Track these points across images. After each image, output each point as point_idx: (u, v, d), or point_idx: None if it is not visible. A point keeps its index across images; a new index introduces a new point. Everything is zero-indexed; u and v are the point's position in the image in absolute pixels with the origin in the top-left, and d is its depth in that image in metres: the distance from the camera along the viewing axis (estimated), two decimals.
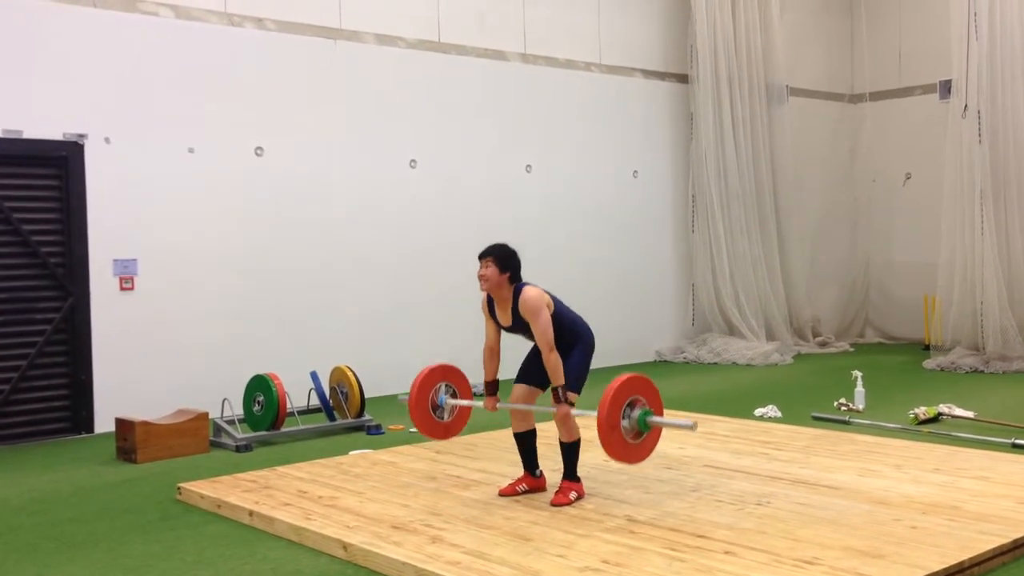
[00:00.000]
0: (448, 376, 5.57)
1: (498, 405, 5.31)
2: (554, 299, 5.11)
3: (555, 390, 4.97)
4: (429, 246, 9.65)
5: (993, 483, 5.25)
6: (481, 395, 5.45)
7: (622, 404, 4.70)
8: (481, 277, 5.08)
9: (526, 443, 5.31)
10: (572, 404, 4.99)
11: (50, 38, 7.62)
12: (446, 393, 5.54)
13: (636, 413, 4.74)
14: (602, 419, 4.62)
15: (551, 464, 5.54)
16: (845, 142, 13.63)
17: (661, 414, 4.85)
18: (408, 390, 5.47)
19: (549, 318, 4.98)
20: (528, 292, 5.01)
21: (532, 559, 4.18)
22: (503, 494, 5.29)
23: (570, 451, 5.12)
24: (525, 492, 5.30)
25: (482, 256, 5.11)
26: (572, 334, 5.11)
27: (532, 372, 5.23)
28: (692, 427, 4.73)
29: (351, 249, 9.20)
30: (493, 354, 5.31)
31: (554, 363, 4.92)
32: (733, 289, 11.75)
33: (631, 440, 4.75)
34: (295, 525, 4.80)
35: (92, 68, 7.80)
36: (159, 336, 8.09)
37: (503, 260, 5.07)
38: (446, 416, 5.56)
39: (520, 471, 5.39)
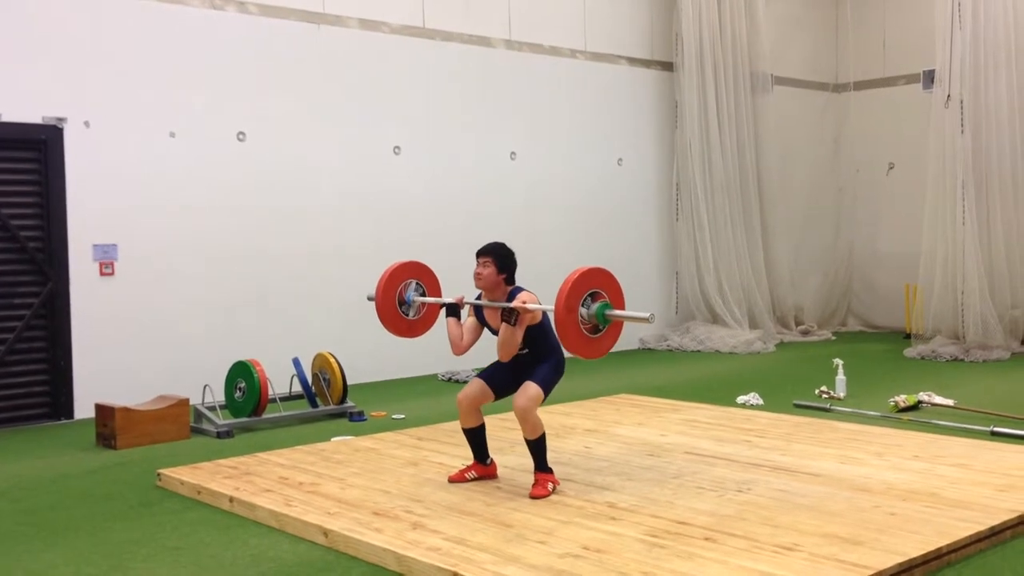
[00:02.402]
0: (418, 274, 5.58)
1: (465, 301, 5.23)
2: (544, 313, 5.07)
3: (504, 312, 4.83)
4: (413, 232, 9.61)
5: (971, 470, 5.28)
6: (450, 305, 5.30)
7: (582, 293, 4.62)
8: (478, 275, 5.04)
9: (477, 436, 5.27)
10: (519, 313, 4.80)
11: (29, 20, 7.53)
12: (415, 291, 5.54)
13: (595, 306, 4.66)
14: (560, 305, 4.53)
15: (525, 460, 5.54)
16: (829, 131, 13.66)
17: (622, 307, 4.76)
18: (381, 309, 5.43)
19: (535, 315, 4.93)
20: (526, 295, 4.95)
21: (513, 545, 4.18)
22: (452, 481, 5.27)
23: (537, 446, 5.03)
24: (475, 479, 5.28)
25: (480, 254, 5.07)
26: (548, 346, 5.06)
27: (496, 377, 5.15)
28: (649, 319, 4.62)
29: (334, 235, 9.16)
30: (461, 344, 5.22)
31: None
32: (716, 277, 11.78)
33: (588, 333, 4.68)
34: (276, 511, 4.78)
35: (72, 51, 7.72)
36: (139, 322, 8.04)
37: (502, 260, 5.04)
38: (412, 313, 5.56)
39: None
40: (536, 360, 5.05)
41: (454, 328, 5.19)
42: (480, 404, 5.19)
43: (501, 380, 5.15)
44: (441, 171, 9.89)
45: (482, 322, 5.19)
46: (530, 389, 4.93)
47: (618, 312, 4.72)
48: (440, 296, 5.62)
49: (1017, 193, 10.82)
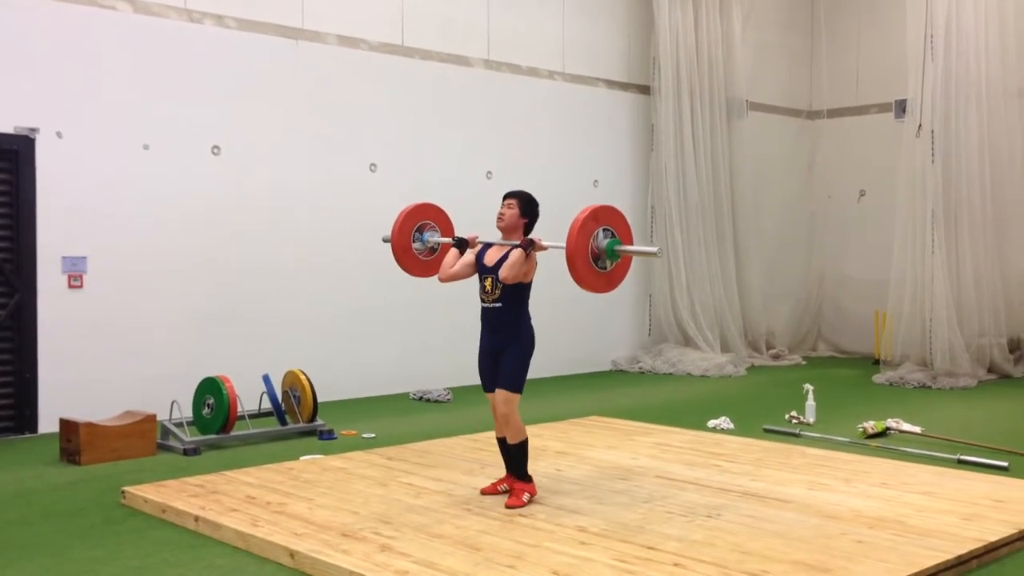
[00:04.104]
0: (433, 215, 5.84)
1: (478, 240, 5.43)
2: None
3: (525, 242, 5.06)
4: (387, 250, 9.54)
5: (938, 498, 5.32)
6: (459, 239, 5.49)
7: (592, 230, 4.82)
8: (500, 216, 5.25)
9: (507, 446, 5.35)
10: (535, 243, 5.07)
11: (2, 30, 7.46)
12: (429, 232, 5.79)
13: (606, 241, 4.86)
14: (572, 241, 4.74)
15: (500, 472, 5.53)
16: (802, 158, 13.80)
17: (630, 244, 4.97)
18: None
19: (528, 271, 5.11)
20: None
21: (482, 569, 4.16)
22: (485, 493, 5.37)
23: (518, 451, 5.15)
24: (506, 492, 5.34)
25: (508, 196, 5.31)
26: (521, 312, 5.20)
27: (490, 379, 5.27)
28: (658, 253, 4.97)
29: (308, 252, 9.12)
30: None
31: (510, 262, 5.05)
32: (689, 300, 11.83)
33: (598, 268, 4.88)
34: (242, 532, 4.72)
35: (46, 61, 7.65)
36: (108, 336, 7.94)
37: (527, 204, 5.29)
38: (427, 254, 5.83)
39: (502, 471, 5.49)
40: (505, 326, 5.14)
41: (450, 257, 5.42)
42: None
43: (491, 376, 5.25)
44: (417, 189, 9.84)
45: (480, 263, 5.29)
46: (502, 394, 5.12)
47: (627, 247, 4.91)
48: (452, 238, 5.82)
49: (986, 223, 10.98)
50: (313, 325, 9.11)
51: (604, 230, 4.88)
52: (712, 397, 9.61)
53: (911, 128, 11.00)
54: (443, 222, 5.93)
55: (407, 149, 9.81)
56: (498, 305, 5.16)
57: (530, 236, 5.20)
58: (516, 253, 5.06)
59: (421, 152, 9.91)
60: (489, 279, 5.18)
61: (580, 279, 4.84)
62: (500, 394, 5.13)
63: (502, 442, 5.34)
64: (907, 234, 11.02)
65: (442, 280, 5.43)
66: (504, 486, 5.36)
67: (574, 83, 11.27)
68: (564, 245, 4.80)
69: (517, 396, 5.14)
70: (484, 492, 5.40)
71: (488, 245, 5.35)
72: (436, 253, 5.87)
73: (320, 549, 4.41)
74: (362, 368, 9.45)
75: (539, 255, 5.17)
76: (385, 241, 5.88)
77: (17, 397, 7.59)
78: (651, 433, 7.35)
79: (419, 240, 5.82)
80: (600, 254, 4.86)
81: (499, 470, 5.62)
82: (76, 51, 7.79)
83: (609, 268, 4.93)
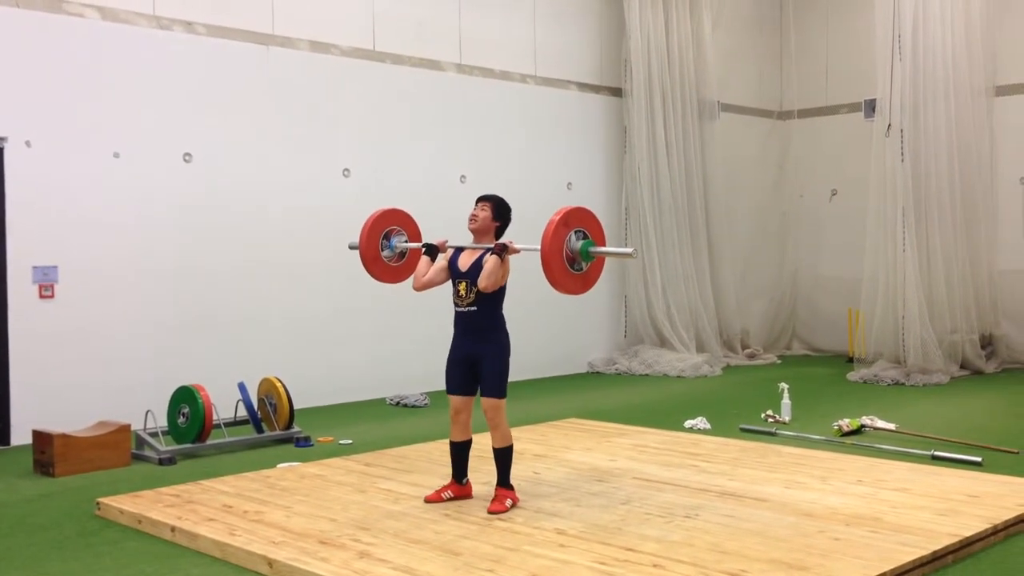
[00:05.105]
0: (400, 221, 5.84)
1: (448, 244, 5.43)
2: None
3: (497, 247, 5.06)
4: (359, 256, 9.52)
5: (913, 495, 5.37)
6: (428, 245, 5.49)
7: (565, 233, 4.85)
8: (473, 217, 5.26)
9: (461, 452, 5.36)
10: (508, 247, 5.07)
11: None
12: (396, 237, 5.78)
13: (579, 243, 4.88)
14: (546, 245, 4.76)
15: (484, 476, 5.52)
16: (774, 158, 13.90)
17: (603, 245, 5.01)
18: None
19: (506, 274, 5.13)
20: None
21: (461, 574, 4.15)
22: (429, 501, 5.32)
23: (504, 457, 5.19)
24: (451, 499, 5.32)
25: (481, 199, 5.32)
26: (496, 316, 5.21)
27: (457, 381, 5.26)
28: (632, 254, 5.02)
29: (282, 259, 9.07)
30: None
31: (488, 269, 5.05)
32: (665, 301, 11.88)
33: (573, 270, 4.90)
34: (219, 541, 4.69)
35: (14, 70, 7.57)
36: (80, 346, 7.86)
37: (499, 208, 5.30)
38: (396, 260, 5.83)
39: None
40: (481, 329, 5.15)
41: (423, 265, 5.41)
42: (468, 411, 5.29)
43: (464, 380, 5.24)
44: (391, 194, 9.81)
45: (453, 266, 5.28)
46: (490, 402, 5.12)
47: (601, 248, 4.94)
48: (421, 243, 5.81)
49: (955, 221, 11.10)
50: (288, 332, 9.06)
51: (577, 232, 4.90)
52: (688, 398, 9.65)
53: (881, 127, 11.11)
54: (410, 227, 5.92)
55: (380, 154, 9.78)
56: (473, 309, 5.16)
57: (502, 240, 5.19)
58: (491, 260, 5.05)
59: (394, 156, 9.89)
60: (463, 283, 5.17)
61: (555, 282, 4.86)
62: (487, 402, 5.12)
63: (456, 446, 5.33)
64: (878, 232, 11.12)
65: (416, 289, 5.41)
66: (448, 493, 5.34)
67: (546, 86, 11.29)
68: (538, 248, 4.80)
69: (503, 401, 5.15)
70: (428, 500, 5.33)
71: (460, 249, 5.34)
72: (405, 259, 5.86)
73: (298, 557, 4.39)
74: (338, 374, 9.41)
75: (512, 257, 5.17)
76: (352, 248, 5.86)
77: None
78: (628, 434, 7.37)
79: (387, 247, 5.80)
80: (575, 256, 4.89)
81: (483, 474, 5.61)
82: (44, 59, 7.71)
83: (584, 269, 4.95)
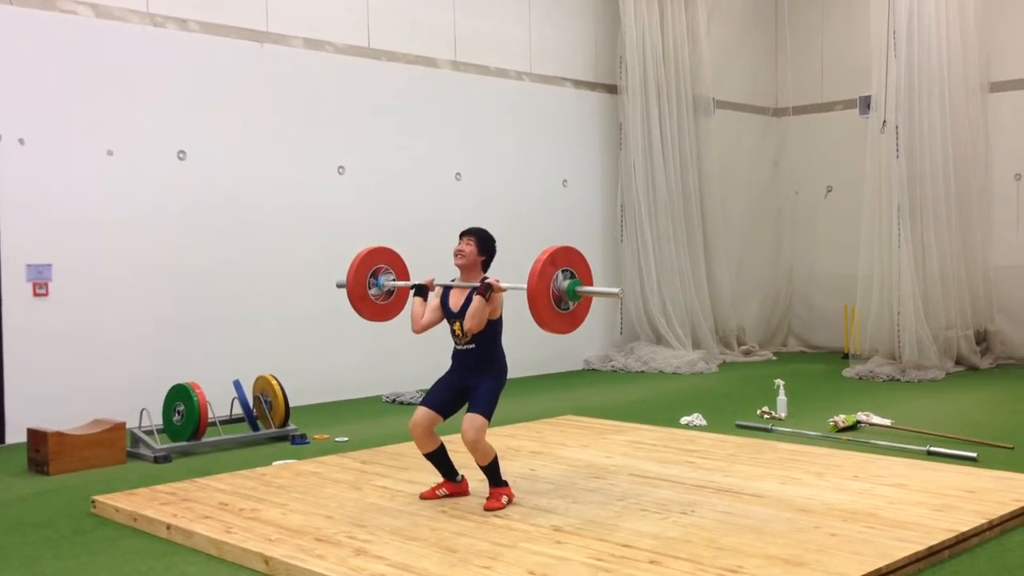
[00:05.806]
0: (387, 259, 5.74)
1: (435, 283, 5.36)
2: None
3: (481, 287, 4.96)
4: (355, 250, 9.50)
5: (909, 490, 5.38)
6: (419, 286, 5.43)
7: (551, 273, 4.78)
8: (459, 252, 5.17)
9: (439, 457, 5.31)
10: (493, 287, 4.97)
11: None
12: (384, 275, 5.69)
13: (566, 282, 4.81)
14: (532, 285, 4.68)
15: (479, 474, 5.52)
16: (769, 154, 13.90)
17: (590, 283, 4.94)
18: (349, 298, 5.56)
19: (495, 308, 5.06)
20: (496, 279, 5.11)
21: (457, 571, 4.15)
22: (424, 498, 5.32)
23: (490, 469, 5.15)
24: (446, 496, 5.32)
25: (465, 234, 5.22)
26: (493, 349, 5.13)
27: (439, 397, 5.20)
28: (619, 294, 5.00)
29: (277, 256, 9.06)
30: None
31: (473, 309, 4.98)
32: (660, 298, 11.88)
33: (560, 309, 4.83)
34: (215, 539, 4.68)
35: (7, 67, 7.54)
36: (75, 344, 7.84)
37: (483, 243, 5.21)
38: (383, 298, 5.74)
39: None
40: (478, 364, 5.09)
41: (418, 307, 5.33)
42: (432, 427, 5.20)
43: (444, 399, 5.20)
44: (386, 191, 9.85)
45: (444, 305, 5.22)
46: (476, 420, 4.98)
47: (588, 288, 4.87)
48: (409, 281, 5.75)
49: (950, 217, 11.12)
50: (283, 329, 9.05)
51: (564, 271, 4.82)
52: (684, 394, 9.66)
53: (876, 124, 11.12)
54: (397, 265, 5.80)
55: (375, 151, 9.77)
56: (472, 346, 5.11)
57: (487, 279, 5.05)
58: (476, 301, 4.96)
59: (389, 154, 9.87)
60: (458, 323, 5.11)
61: (542, 321, 4.76)
62: (472, 419, 4.99)
63: (429, 456, 5.27)
64: (873, 229, 11.14)
65: (416, 332, 5.32)
66: (443, 491, 5.35)
67: (542, 83, 11.29)
68: (524, 287, 4.72)
69: (487, 423, 5.04)
70: (423, 497, 5.33)
71: (448, 288, 5.26)
72: (392, 296, 5.76)
73: (295, 554, 4.38)
74: (333, 371, 9.41)
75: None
76: (340, 287, 5.75)
77: None
78: (624, 431, 7.37)
79: (375, 285, 5.70)
80: (561, 296, 4.81)
81: (474, 470, 5.59)
82: (38, 57, 7.69)
83: (571, 309, 4.88)
